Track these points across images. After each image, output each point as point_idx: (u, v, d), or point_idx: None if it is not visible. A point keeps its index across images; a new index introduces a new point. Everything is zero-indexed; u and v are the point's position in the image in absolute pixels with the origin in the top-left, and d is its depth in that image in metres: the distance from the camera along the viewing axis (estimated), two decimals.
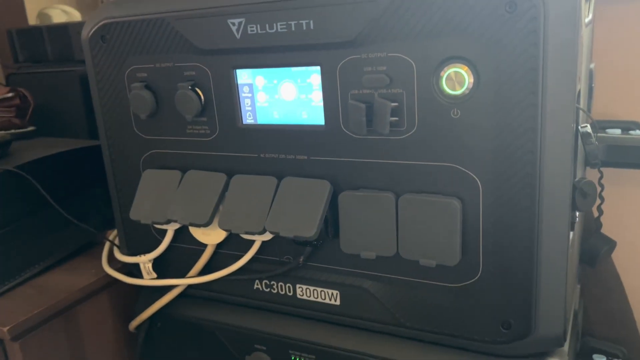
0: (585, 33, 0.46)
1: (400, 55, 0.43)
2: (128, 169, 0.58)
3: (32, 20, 1.14)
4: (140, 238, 0.60)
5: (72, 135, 0.82)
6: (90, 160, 0.69)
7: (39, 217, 0.64)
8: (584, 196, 0.42)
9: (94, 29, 0.55)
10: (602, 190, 0.59)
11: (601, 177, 0.59)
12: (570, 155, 0.40)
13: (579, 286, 0.64)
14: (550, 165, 0.40)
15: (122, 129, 0.57)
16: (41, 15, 1.14)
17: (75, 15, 1.14)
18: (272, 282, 0.55)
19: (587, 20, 0.49)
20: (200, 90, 0.52)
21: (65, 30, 0.87)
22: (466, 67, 0.41)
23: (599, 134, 0.59)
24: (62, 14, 1.13)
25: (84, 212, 0.70)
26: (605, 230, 0.63)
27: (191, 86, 0.51)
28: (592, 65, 0.57)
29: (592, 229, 0.63)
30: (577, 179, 0.42)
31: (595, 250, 0.62)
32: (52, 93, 0.84)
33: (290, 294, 0.54)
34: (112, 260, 0.63)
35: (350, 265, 0.50)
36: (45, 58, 0.89)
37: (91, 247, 0.69)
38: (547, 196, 0.41)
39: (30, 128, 0.76)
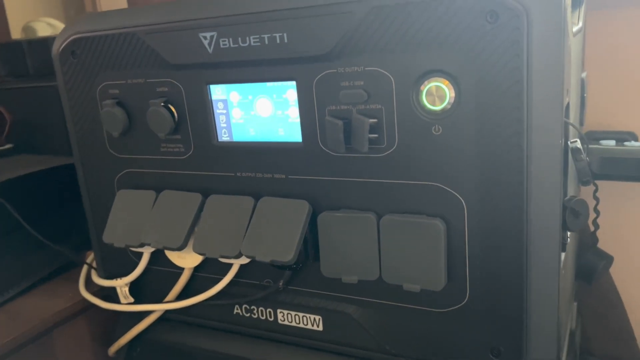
0: (573, 42, 0.44)
1: (377, 69, 0.40)
2: (102, 188, 0.56)
3: (17, 33, 1.12)
4: (117, 260, 0.58)
5: (53, 152, 0.80)
6: (69, 178, 0.67)
7: (13, 238, 0.62)
8: (575, 215, 0.39)
9: (64, 44, 0.53)
10: (597, 204, 0.57)
11: (596, 190, 0.57)
12: (559, 173, 0.38)
13: (575, 303, 0.61)
14: (537, 184, 0.38)
15: (95, 147, 0.55)
16: (26, 28, 1.12)
17: (61, 29, 1.13)
18: (252, 307, 0.52)
19: (575, 28, 0.46)
20: (174, 106, 0.49)
21: (46, 44, 0.85)
22: (447, 81, 0.38)
23: (592, 146, 0.56)
24: (48, 27, 1.11)
25: (63, 231, 0.68)
26: (602, 244, 0.60)
27: (164, 103, 0.49)
28: (583, 75, 0.55)
29: (588, 243, 0.61)
30: (567, 198, 0.40)
31: (592, 267, 0.59)
32: (32, 109, 0.81)
33: (272, 319, 0.51)
34: (90, 283, 0.61)
35: (333, 289, 0.48)
36: (27, 72, 0.87)
37: (71, 268, 0.67)
38: (535, 217, 0.38)
39: (8, 146, 0.74)
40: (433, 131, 0.40)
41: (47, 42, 0.86)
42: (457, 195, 0.40)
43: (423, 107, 0.40)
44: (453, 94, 0.39)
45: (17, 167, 0.66)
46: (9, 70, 0.88)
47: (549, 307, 0.40)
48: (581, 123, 0.56)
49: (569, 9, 0.38)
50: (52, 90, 0.81)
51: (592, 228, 0.60)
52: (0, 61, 0.89)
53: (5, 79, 0.89)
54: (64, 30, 0.54)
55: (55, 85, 0.79)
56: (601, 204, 0.57)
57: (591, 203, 0.54)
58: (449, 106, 0.39)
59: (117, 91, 0.52)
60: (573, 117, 0.47)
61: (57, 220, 0.69)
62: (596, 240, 0.60)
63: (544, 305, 0.40)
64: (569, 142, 0.41)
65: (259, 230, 0.46)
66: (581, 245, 0.62)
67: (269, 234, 0.45)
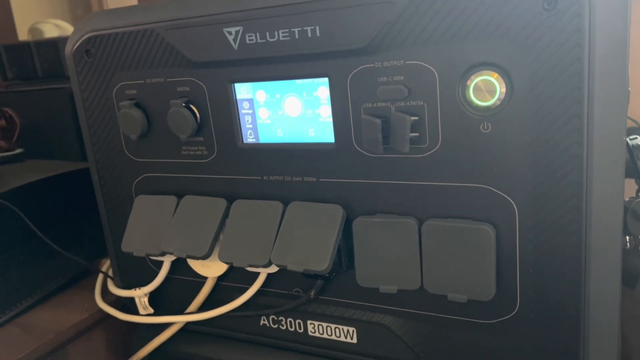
0: None
1: (420, 62, 0.37)
2: (119, 194, 0.53)
3: (24, 35, 1.10)
4: (135, 269, 0.55)
5: (63, 157, 0.77)
6: (82, 183, 0.64)
7: (26, 248, 0.59)
8: (637, 218, 0.36)
9: (78, 43, 0.50)
10: None
11: (639, 190, 0.54)
12: (622, 173, 0.35)
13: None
14: (599, 184, 0.35)
15: (112, 151, 0.52)
16: (33, 30, 1.09)
17: (68, 30, 1.10)
18: (280, 318, 0.49)
19: None
20: (196, 107, 0.46)
21: (55, 46, 0.83)
22: (497, 75, 0.35)
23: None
24: (55, 29, 1.09)
25: (76, 239, 0.65)
26: None
27: (185, 103, 0.46)
28: None
29: (631, 246, 0.58)
30: (627, 199, 0.37)
31: (635, 270, 0.56)
32: (41, 112, 0.79)
33: (301, 330, 0.48)
34: (106, 293, 0.58)
35: (368, 299, 0.45)
36: (35, 75, 0.84)
37: (85, 276, 0.64)
38: (595, 220, 0.35)
39: (18, 150, 0.71)
40: (481, 129, 0.37)
41: (55, 43, 0.83)
42: (508, 198, 0.37)
43: (470, 103, 0.37)
44: (504, 89, 0.36)
45: (28, 173, 0.64)
46: (17, 72, 0.86)
47: (609, 317, 0.37)
48: None
49: None
50: (62, 93, 0.78)
51: None
52: (8, 63, 0.86)
53: (14, 81, 0.86)
54: (77, 28, 0.51)
55: (64, 87, 0.77)
56: None
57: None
58: (498, 102, 0.36)
59: (134, 91, 0.49)
60: None
61: (68, 227, 0.66)
62: (639, 242, 0.57)
63: (604, 316, 0.37)
64: (628, 139, 0.38)
65: (289, 238, 0.43)
66: (623, 247, 0.59)
67: (301, 241, 0.43)
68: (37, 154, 0.77)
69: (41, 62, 0.84)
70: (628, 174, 0.49)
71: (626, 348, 0.62)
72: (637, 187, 0.52)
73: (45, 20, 1.09)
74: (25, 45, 0.84)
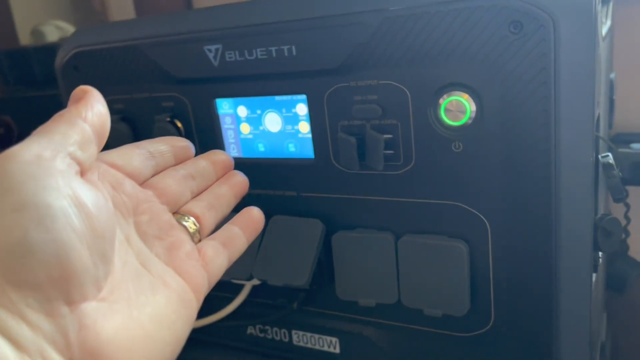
0: (603, 46, 0.41)
1: (392, 82, 0.38)
2: None
3: (25, 37, 1.11)
4: None
5: None
6: None
7: None
8: (607, 236, 0.37)
9: (66, 58, 0.51)
10: (627, 211, 0.54)
11: (626, 196, 0.54)
12: (590, 192, 0.35)
13: (605, 314, 0.58)
14: (567, 204, 0.35)
15: None
16: (35, 32, 1.10)
17: (70, 31, 1.11)
18: (266, 327, 0.50)
19: (605, 29, 0.43)
20: (180, 122, 0.47)
21: (54, 51, 0.83)
22: (467, 96, 0.36)
23: (621, 149, 0.53)
24: (56, 30, 1.10)
25: None
26: (633, 252, 0.58)
27: (169, 118, 0.47)
28: (612, 75, 0.52)
29: (618, 251, 0.58)
30: (599, 216, 0.37)
31: (623, 276, 0.56)
32: (41, 117, 0.80)
33: (286, 340, 0.50)
34: None
35: (350, 311, 0.46)
36: (34, 80, 0.85)
37: None
38: (565, 238, 0.36)
39: None
40: (453, 148, 0.37)
41: (54, 48, 0.84)
42: (480, 216, 0.38)
43: (442, 122, 0.37)
44: (474, 109, 0.36)
45: None
46: (16, 78, 0.87)
47: (580, 331, 0.38)
48: (610, 126, 0.53)
49: (600, 14, 0.35)
50: (61, 99, 0.79)
51: (622, 235, 0.57)
52: (7, 69, 0.87)
53: (13, 87, 0.87)
54: (66, 43, 0.52)
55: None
56: (632, 210, 0.54)
57: (621, 210, 0.51)
58: (470, 122, 0.36)
59: (121, 106, 0.50)
60: (602, 125, 0.44)
61: None
62: (627, 247, 0.57)
63: (575, 330, 0.38)
64: (599, 157, 0.38)
65: (270, 252, 0.44)
66: (612, 253, 0.59)
67: (282, 256, 0.43)
68: None
69: (40, 67, 0.85)
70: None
71: (615, 352, 0.63)
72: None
73: (47, 22, 1.10)
74: (25, 50, 0.85)
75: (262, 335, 0.51)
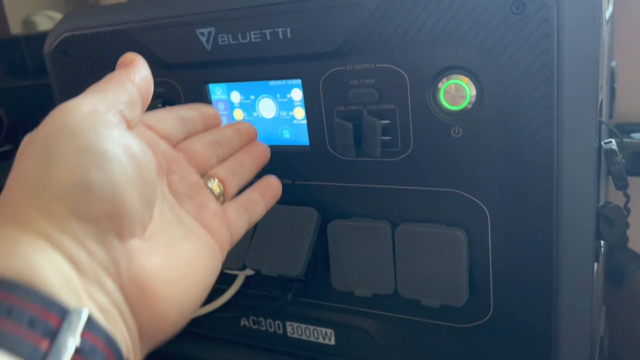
0: (606, 30, 0.40)
1: (390, 66, 0.37)
2: None
3: (17, 26, 1.09)
4: None
5: None
6: None
7: None
8: (609, 224, 0.36)
9: (55, 43, 0.50)
10: (627, 202, 0.53)
11: (627, 201, 0.53)
12: (593, 180, 0.34)
13: (604, 307, 0.58)
14: (569, 191, 0.34)
15: None
16: (26, 22, 1.09)
17: None
18: (260, 319, 0.49)
19: (608, 14, 0.42)
20: None
21: (45, 40, 0.82)
22: (467, 79, 0.35)
23: (622, 140, 0.52)
24: (48, 21, 1.08)
25: None
26: (632, 244, 0.57)
27: (161, 104, 0.46)
28: (613, 63, 0.51)
29: (617, 243, 0.57)
30: (601, 204, 0.36)
31: (622, 268, 0.55)
32: (31, 107, 0.79)
33: (280, 332, 0.48)
34: None
35: (346, 302, 0.45)
36: (25, 70, 0.84)
37: None
38: (566, 227, 0.35)
39: (6, 147, 0.71)
40: (452, 133, 0.36)
41: (45, 37, 0.82)
42: (480, 203, 0.37)
43: (441, 106, 0.36)
44: (474, 93, 0.35)
45: None
46: (7, 68, 0.85)
47: (581, 323, 0.37)
48: (610, 115, 0.52)
49: None
50: (50, 89, 0.78)
51: (625, 224, 0.56)
52: None
53: (4, 77, 0.86)
54: (55, 28, 0.50)
55: None
56: (632, 201, 0.53)
57: (621, 200, 0.50)
58: (469, 106, 0.35)
59: None
60: (604, 113, 0.43)
61: None
62: (626, 239, 0.56)
63: (576, 322, 0.37)
64: (602, 143, 0.37)
65: (264, 241, 0.43)
66: (610, 244, 0.58)
67: (275, 245, 0.42)
68: None
69: (32, 56, 0.84)
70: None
71: (613, 345, 0.62)
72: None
73: (39, 12, 1.08)
74: (15, 39, 0.84)
75: (255, 327, 0.50)
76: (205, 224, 0.33)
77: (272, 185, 0.39)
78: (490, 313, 0.39)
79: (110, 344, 0.23)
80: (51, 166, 0.25)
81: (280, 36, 0.39)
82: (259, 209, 0.38)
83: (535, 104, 0.33)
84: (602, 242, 0.38)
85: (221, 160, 0.37)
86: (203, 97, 0.45)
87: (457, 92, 0.35)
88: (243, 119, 0.44)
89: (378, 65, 0.37)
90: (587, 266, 0.36)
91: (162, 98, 0.46)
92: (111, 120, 0.27)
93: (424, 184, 0.38)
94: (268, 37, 0.40)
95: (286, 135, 0.43)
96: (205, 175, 0.36)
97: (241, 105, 0.44)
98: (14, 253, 0.23)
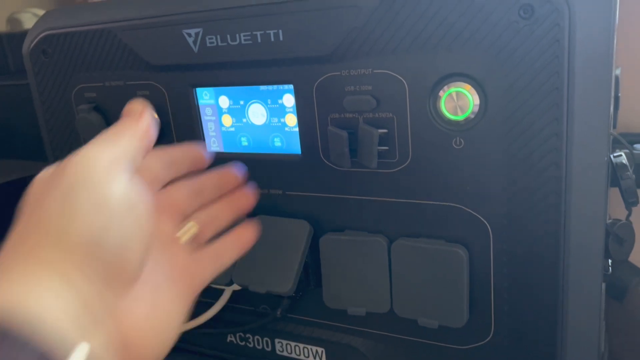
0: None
1: (388, 72, 0.35)
2: None
3: (1, 24, 1.06)
4: None
5: (36, 157, 0.74)
6: None
7: None
8: (619, 243, 0.34)
9: (34, 42, 0.47)
10: (629, 215, 0.51)
11: (629, 215, 0.51)
12: (603, 195, 0.32)
13: (604, 323, 0.56)
14: (577, 207, 0.32)
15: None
16: (11, 20, 1.06)
17: None
18: (247, 335, 0.47)
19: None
20: (156, 113, 0.43)
21: None
22: (470, 87, 0.33)
23: (632, 152, 0.50)
24: (34, 18, 1.05)
25: None
26: (634, 258, 0.55)
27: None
28: (617, 72, 0.49)
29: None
30: (610, 221, 0.34)
31: (624, 283, 0.53)
32: (12, 108, 0.76)
33: (269, 349, 0.46)
34: None
35: (338, 320, 0.42)
36: (7, 69, 0.81)
37: None
38: (574, 245, 0.33)
39: None
40: (453, 144, 0.34)
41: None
42: (482, 219, 0.35)
43: (442, 116, 0.34)
44: (477, 102, 0.33)
45: None
46: None
47: (589, 346, 0.35)
48: (614, 126, 0.50)
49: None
50: (29, 89, 0.75)
51: (634, 243, 0.54)
52: None
53: None
54: (34, 26, 0.48)
55: None
56: (633, 214, 0.52)
57: (622, 213, 0.49)
58: (472, 116, 0.33)
59: (94, 94, 0.46)
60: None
61: None
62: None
63: (583, 344, 0.35)
64: (612, 157, 0.35)
65: (253, 254, 0.40)
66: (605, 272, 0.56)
67: (264, 259, 0.40)
68: (6, 152, 0.74)
69: (14, 55, 0.81)
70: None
71: None
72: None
73: (24, 9, 1.05)
74: None
75: (242, 343, 0.47)
76: (176, 274, 0.34)
77: (246, 237, 0.39)
78: (491, 334, 0.37)
79: None
80: (72, 220, 0.27)
81: (272, 38, 0.37)
82: (231, 256, 0.38)
83: (543, 114, 0.31)
84: (609, 261, 0.36)
85: (201, 207, 0.38)
86: (189, 102, 0.42)
87: (459, 100, 0.33)
88: (232, 125, 0.42)
89: (375, 70, 0.35)
90: (595, 286, 0.34)
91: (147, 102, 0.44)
92: (126, 171, 0.29)
93: (422, 197, 0.36)
94: (259, 39, 0.37)
95: (277, 143, 0.41)
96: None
97: (230, 111, 0.42)
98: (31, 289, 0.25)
